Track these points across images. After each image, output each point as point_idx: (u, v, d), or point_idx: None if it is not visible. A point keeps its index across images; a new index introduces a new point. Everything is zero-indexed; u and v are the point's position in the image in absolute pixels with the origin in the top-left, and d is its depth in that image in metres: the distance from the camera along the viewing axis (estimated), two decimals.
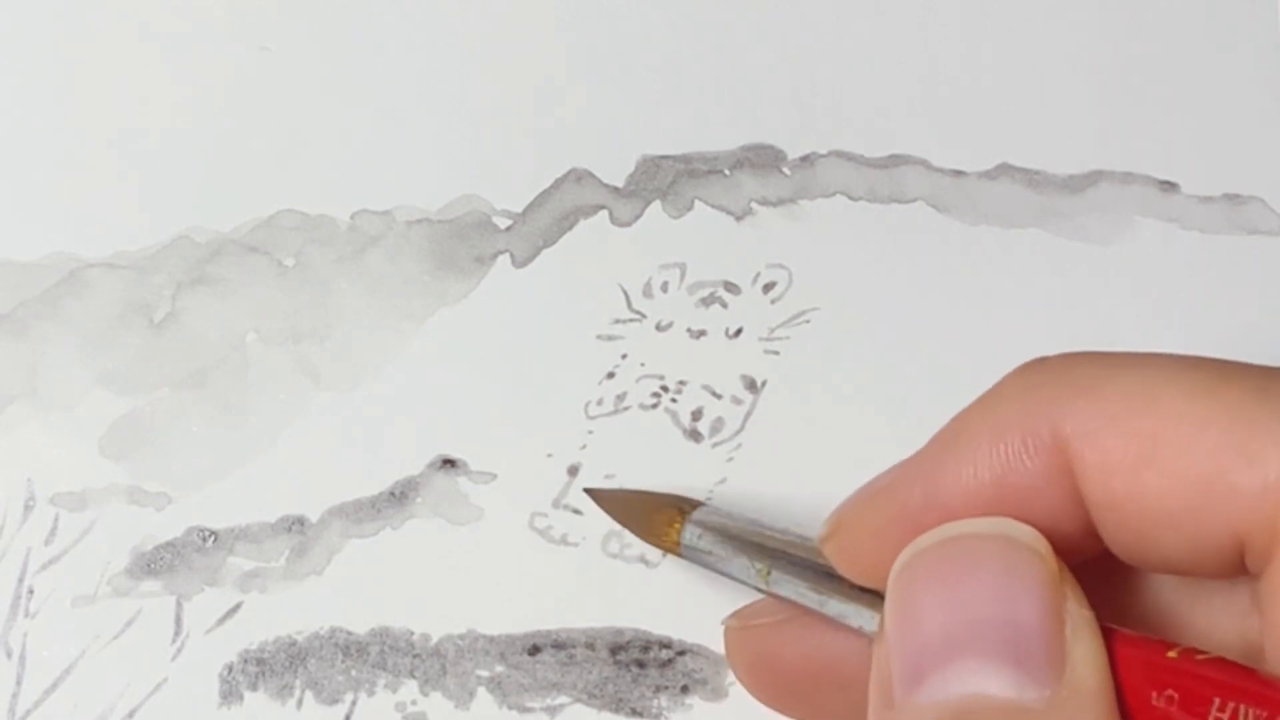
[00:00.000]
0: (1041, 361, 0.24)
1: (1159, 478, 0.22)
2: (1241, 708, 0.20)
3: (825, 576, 0.26)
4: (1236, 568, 0.22)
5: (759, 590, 0.28)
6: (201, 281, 0.33)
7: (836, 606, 0.26)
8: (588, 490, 0.32)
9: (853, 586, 0.25)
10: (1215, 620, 0.24)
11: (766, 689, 0.29)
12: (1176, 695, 0.21)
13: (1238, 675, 0.21)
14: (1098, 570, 0.23)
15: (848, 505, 0.25)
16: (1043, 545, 0.22)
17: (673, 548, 0.29)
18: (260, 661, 0.31)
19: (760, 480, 0.32)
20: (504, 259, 0.34)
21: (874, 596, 0.25)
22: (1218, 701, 0.21)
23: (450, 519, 0.32)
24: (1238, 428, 0.21)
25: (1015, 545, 0.22)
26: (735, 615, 0.29)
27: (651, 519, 0.30)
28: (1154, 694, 0.21)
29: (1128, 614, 0.24)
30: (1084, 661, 0.21)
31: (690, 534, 0.29)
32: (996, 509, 0.23)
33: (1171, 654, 0.21)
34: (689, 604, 0.32)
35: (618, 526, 0.32)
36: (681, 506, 0.30)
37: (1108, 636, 0.22)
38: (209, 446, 0.32)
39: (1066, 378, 0.23)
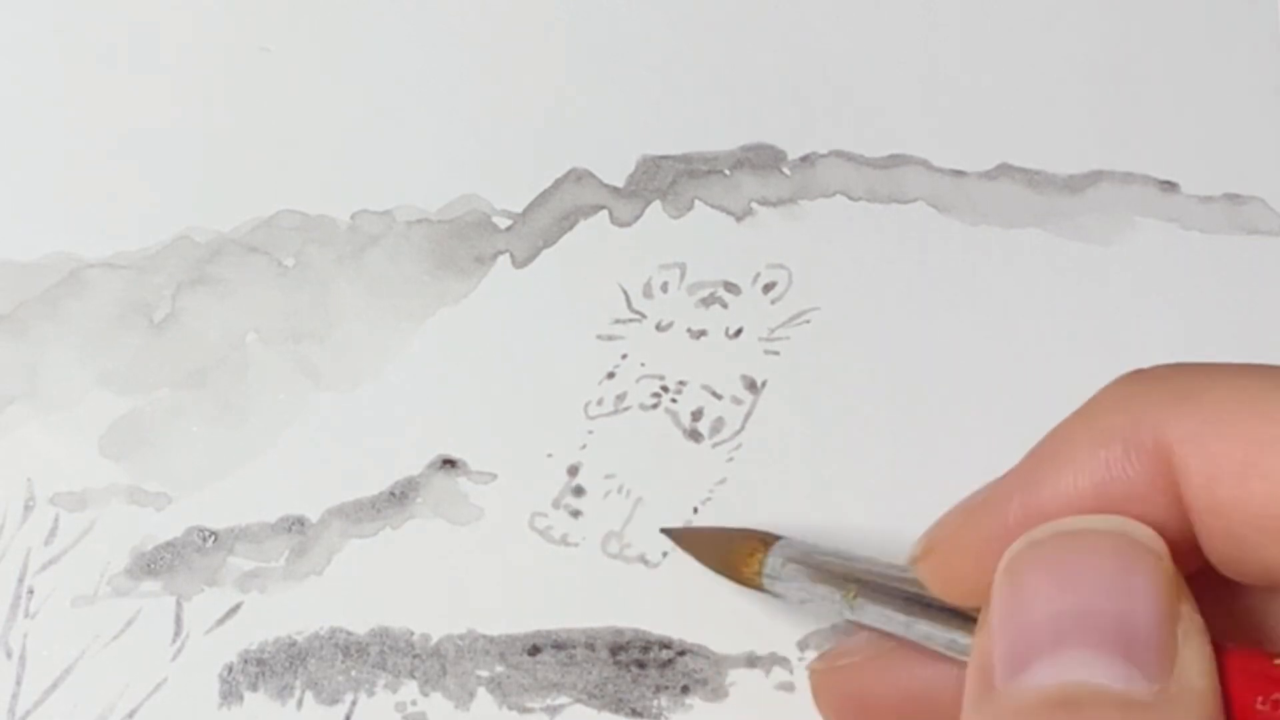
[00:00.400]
0: (1140, 372, 0.24)
1: (1265, 483, 0.21)
2: None
3: (910, 600, 0.26)
4: None
5: (844, 619, 0.27)
6: (201, 281, 0.33)
7: (924, 628, 0.26)
8: (665, 531, 0.32)
9: (940, 609, 0.25)
10: None
11: None
12: None
13: None
14: (1195, 585, 0.23)
15: (941, 524, 0.25)
16: (1160, 545, 0.22)
17: (754, 580, 0.29)
18: (260, 662, 0.31)
19: (760, 480, 0.32)
20: (504, 259, 0.34)
21: (962, 618, 0.25)
22: None
23: (450, 519, 0.32)
24: None
25: (1133, 542, 0.22)
26: (820, 657, 0.29)
27: (732, 553, 0.30)
28: (1259, 699, 0.21)
29: (1224, 629, 0.24)
30: (1194, 662, 0.21)
31: (773, 565, 0.29)
32: None
33: (1278, 661, 0.21)
34: (689, 604, 0.32)
35: (618, 526, 0.32)
36: (764, 539, 0.30)
37: (1215, 646, 0.22)
38: (209, 446, 0.32)
39: (1168, 386, 0.23)
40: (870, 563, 0.28)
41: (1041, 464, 0.24)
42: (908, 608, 0.26)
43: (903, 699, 0.27)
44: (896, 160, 0.34)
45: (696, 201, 0.34)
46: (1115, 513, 0.23)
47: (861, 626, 0.27)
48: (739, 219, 0.34)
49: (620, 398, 0.33)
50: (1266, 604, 0.24)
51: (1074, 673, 0.21)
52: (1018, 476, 0.24)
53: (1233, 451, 0.22)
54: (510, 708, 0.31)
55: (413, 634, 0.32)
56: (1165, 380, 0.23)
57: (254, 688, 0.31)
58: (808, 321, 0.33)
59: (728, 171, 0.34)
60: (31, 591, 0.32)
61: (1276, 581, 0.23)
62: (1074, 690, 0.21)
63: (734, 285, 0.33)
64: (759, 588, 0.29)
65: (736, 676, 0.31)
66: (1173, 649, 0.21)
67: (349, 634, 0.32)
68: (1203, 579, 0.23)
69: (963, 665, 0.24)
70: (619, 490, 0.32)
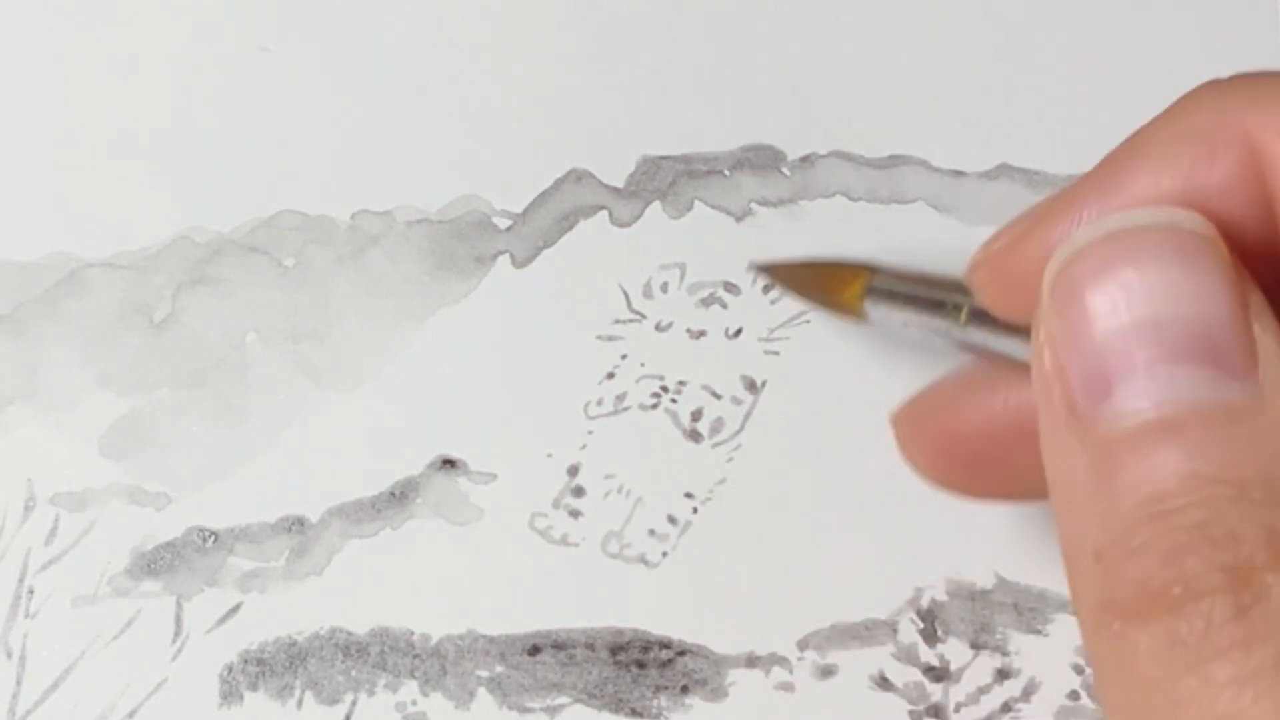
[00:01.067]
0: (1222, 80, 0.23)
1: None
2: None
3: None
4: None
5: (951, 338, 0.26)
6: (201, 282, 0.33)
7: None
8: (756, 265, 0.31)
9: None
10: None
11: (951, 467, 0.28)
12: None
13: None
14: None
15: (1006, 230, 0.24)
16: (1213, 232, 0.21)
17: (855, 306, 0.28)
18: (260, 662, 0.31)
19: (760, 480, 0.32)
20: (504, 259, 0.34)
21: None
22: None
23: (450, 519, 0.32)
24: None
25: (1188, 234, 0.21)
26: (902, 405, 0.28)
27: (831, 280, 0.29)
28: None
29: None
30: (1276, 350, 0.20)
31: (878, 283, 0.28)
32: None
33: None
34: (689, 604, 0.32)
35: (618, 526, 0.32)
36: (865, 266, 0.28)
37: None
38: (209, 446, 0.32)
39: (1254, 87, 0.22)
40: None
41: (1120, 165, 0.23)
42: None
43: (997, 425, 0.26)
44: (896, 160, 0.34)
45: (696, 202, 0.34)
46: (1200, 211, 0.22)
47: (970, 349, 0.26)
48: (739, 219, 0.34)
49: (620, 398, 0.33)
50: None
51: (1165, 391, 0.20)
52: (1093, 179, 0.23)
53: None
54: (510, 708, 0.31)
55: (413, 634, 0.32)
56: (1249, 84, 0.22)
57: (254, 688, 0.31)
58: (808, 321, 0.33)
59: (727, 172, 0.34)
60: (31, 591, 0.32)
61: None
62: (1173, 411, 0.20)
63: (734, 285, 0.33)
64: (858, 314, 0.28)
65: (736, 676, 0.31)
66: (1253, 341, 0.20)
67: (349, 634, 0.32)
68: None
69: None
70: (619, 490, 0.32)
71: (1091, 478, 0.21)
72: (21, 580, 0.32)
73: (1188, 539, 0.19)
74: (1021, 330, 0.24)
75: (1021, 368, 0.25)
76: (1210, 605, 0.19)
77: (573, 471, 0.32)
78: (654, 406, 0.33)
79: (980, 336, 0.26)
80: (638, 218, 0.34)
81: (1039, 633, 0.32)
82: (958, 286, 0.27)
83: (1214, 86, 0.23)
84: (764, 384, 0.33)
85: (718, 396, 0.33)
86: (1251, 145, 0.22)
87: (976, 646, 0.31)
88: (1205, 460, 0.20)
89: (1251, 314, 0.21)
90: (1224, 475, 0.20)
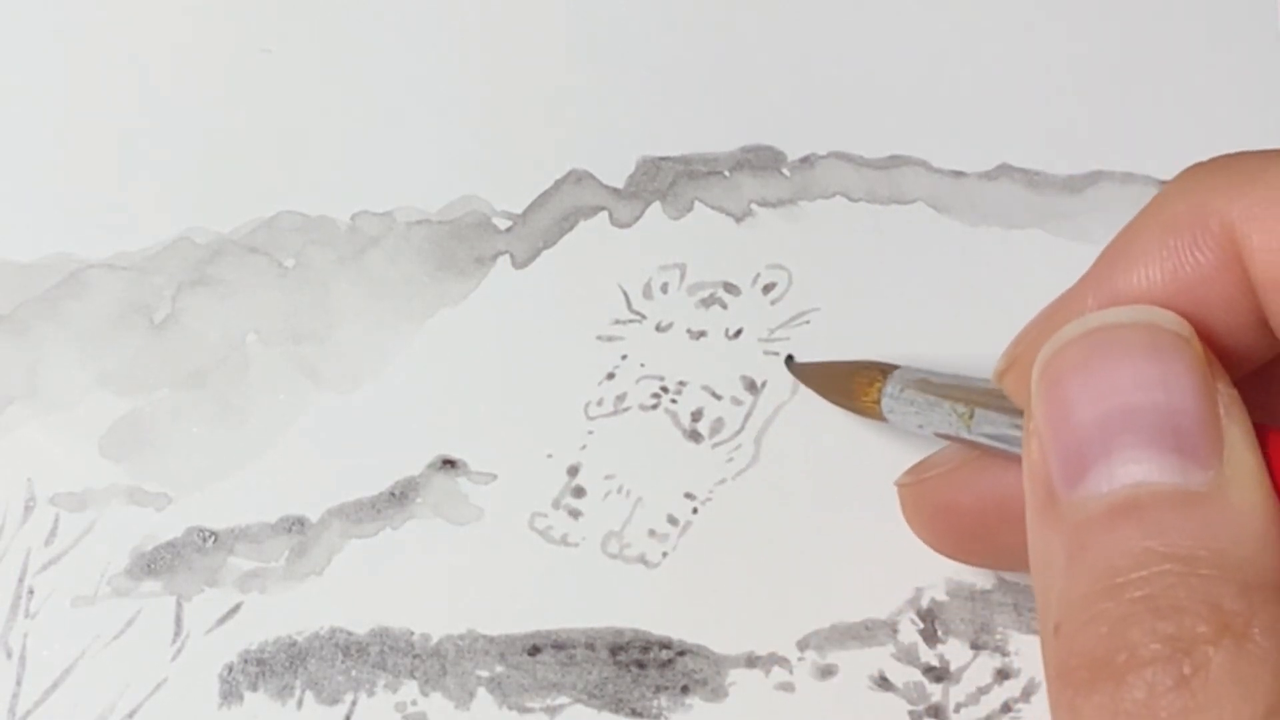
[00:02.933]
0: (1201, 164, 0.24)
1: None
2: None
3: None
4: None
5: (961, 439, 0.28)
6: (202, 282, 0.33)
7: None
8: (789, 364, 0.32)
9: None
10: None
11: (947, 537, 0.29)
12: None
13: None
14: (1265, 378, 0.24)
15: (1021, 336, 0.25)
16: (1187, 329, 0.22)
17: (873, 409, 0.30)
18: (260, 662, 0.31)
19: (760, 480, 0.32)
20: (504, 260, 0.34)
21: None
22: None
23: (450, 519, 0.32)
24: None
25: (1161, 331, 0.22)
26: (908, 473, 0.30)
27: (851, 383, 0.30)
28: None
29: None
30: (1241, 441, 0.21)
31: (890, 391, 0.29)
32: (1171, 309, 0.23)
33: None
34: (689, 604, 0.32)
35: (618, 526, 0.32)
36: (882, 368, 0.30)
37: (1257, 428, 0.22)
38: (209, 446, 0.32)
39: (1229, 172, 0.23)
40: (985, 383, 0.28)
41: (1113, 261, 0.24)
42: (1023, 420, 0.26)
43: (994, 503, 0.28)
44: (896, 160, 0.34)
45: (696, 202, 0.34)
46: (1187, 301, 0.23)
47: (977, 446, 0.27)
48: (739, 220, 0.34)
49: (620, 398, 0.33)
50: None
51: (1131, 474, 0.21)
52: (1091, 277, 0.24)
53: None
54: (510, 708, 0.31)
55: (413, 634, 0.32)
56: (1226, 167, 0.23)
57: (254, 688, 0.31)
58: (808, 322, 0.33)
59: (727, 173, 0.34)
60: (31, 591, 0.32)
61: None
62: (1133, 494, 0.21)
63: (734, 286, 0.33)
64: (877, 416, 0.30)
65: (736, 676, 0.31)
66: (1218, 431, 0.21)
67: (349, 634, 0.32)
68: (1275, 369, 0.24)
69: None
70: (619, 490, 0.32)
71: (1062, 558, 0.22)
72: (21, 580, 0.32)
73: (1133, 610, 0.20)
74: (1019, 429, 0.26)
75: (1017, 458, 0.26)
76: (1153, 674, 0.20)
77: (573, 471, 0.32)
78: (654, 407, 0.33)
79: (984, 432, 0.27)
80: (638, 218, 0.34)
81: (1039, 633, 0.32)
82: (966, 388, 0.28)
83: (1195, 172, 0.24)
84: (764, 384, 0.33)
85: (718, 397, 0.33)
86: (1230, 233, 0.23)
87: (976, 647, 0.31)
88: (1160, 539, 0.21)
89: (1221, 406, 0.22)
90: (1175, 553, 0.21)
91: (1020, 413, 0.26)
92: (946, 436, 0.28)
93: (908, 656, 0.31)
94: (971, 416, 0.27)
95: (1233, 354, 0.23)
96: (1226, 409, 0.22)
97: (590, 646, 0.31)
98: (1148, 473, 0.21)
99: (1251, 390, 0.23)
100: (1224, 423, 0.22)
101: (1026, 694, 0.31)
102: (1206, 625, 0.20)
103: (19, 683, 0.31)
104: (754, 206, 0.34)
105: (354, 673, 0.31)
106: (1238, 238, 0.23)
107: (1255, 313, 0.23)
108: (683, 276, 0.34)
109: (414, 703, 0.31)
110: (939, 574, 0.32)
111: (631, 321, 0.33)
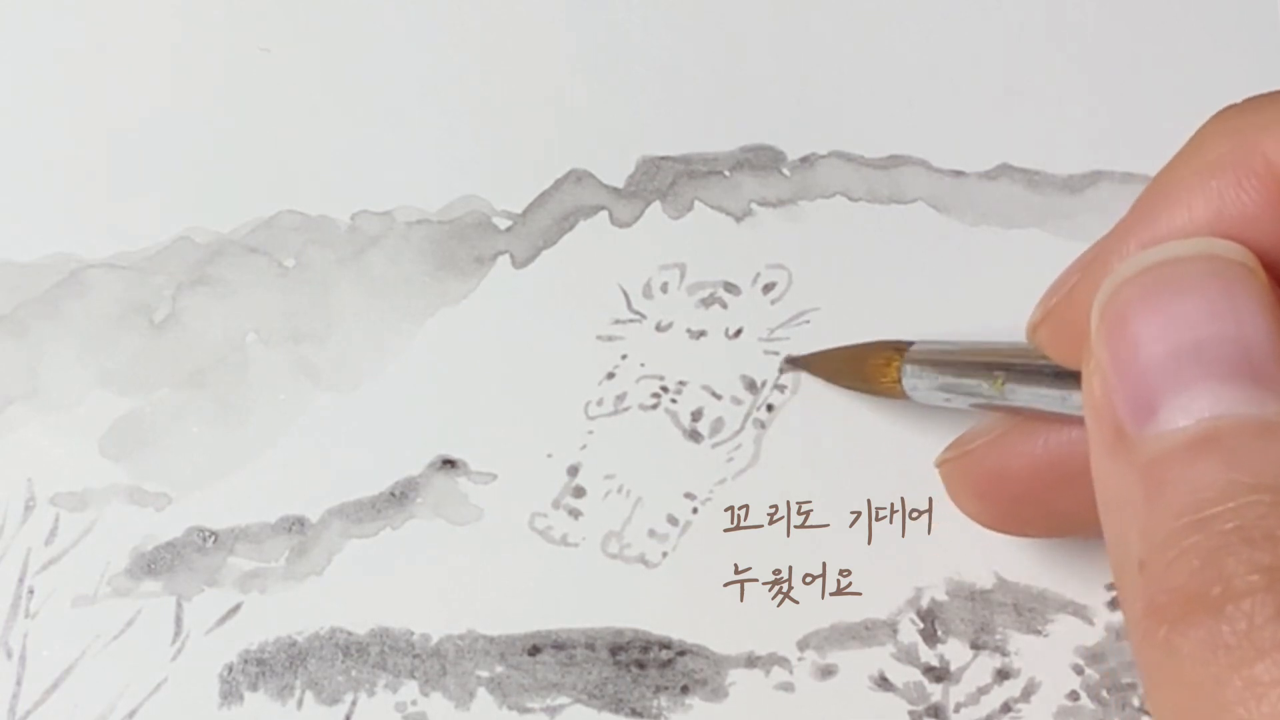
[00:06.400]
0: (1237, 105, 0.24)
1: None
2: None
3: (1061, 373, 0.25)
4: None
5: (994, 405, 0.27)
6: (202, 282, 0.33)
7: (1080, 398, 0.25)
8: (791, 360, 0.32)
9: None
10: None
11: (999, 508, 0.29)
12: None
13: None
14: None
15: (1056, 285, 0.25)
16: (1251, 259, 0.22)
17: (893, 389, 0.29)
18: (260, 662, 0.31)
19: (760, 480, 0.32)
20: (504, 259, 0.34)
21: None
22: None
23: (450, 519, 0.32)
24: None
25: (1226, 262, 0.22)
26: (948, 450, 0.29)
27: (866, 366, 0.30)
28: None
29: None
30: None
31: (910, 369, 0.29)
32: None
33: None
34: (689, 604, 0.32)
35: (618, 526, 0.32)
36: (896, 346, 0.29)
37: None
38: (209, 446, 0.33)
39: (1269, 111, 0.23)
40: (1007, 347, 0.27)
41: (1153, 206, 0.23)
42: (1059, 381, 0.26)
43: (1043, 465, 0.27)
44: (896, 160, 0.34)
45: (696, 202, 0.34)
46: (1232, 239, 0.23)
47: (1013, 411, 0.27)
48: (739, 220, 0.34)
49: (620, 398, 0.33)
50: None
51: (1206, 408, 0.21)
52: (1130, 222, 0.24)
53: None
54: (510, 708, 0.31)
55: (413, 634, 0.32)
56: (1265, 106, 0.23)
57: (254, 688, 0.31)
58: (807, 322, 0.33)
59: (727, 172, 0.34)
60: (31, 591, 0.32)
61: None
62: (1212, 426, 0.21)
63: (734, 285, 0.33)
64: (898, 396, 0.29)
65: (736, 676, 0.31)
66: None
67: (349, 634, 0.32)
68: None
69: None
70: (619, 490, 0.32)
71: (1139, 495, 0.21)
72: (21, 580, 0.32)
73: (1226, 542, 0.20)
74: (1056, 383, 0.25)
75: (1056, 417, 0.26)
76: (1251, 605, 0.19)
77: (573, 471, 0.32)
78: (654, 406, 0.33)
79: (1019, 397, 0.27)
80: (638, 218, 0.34)
81: (1039, 633, 0.32)
82: (990, 353, 0.27)
83: (1230, 114, 0.24)
84: (764, 384, 0.33)
85: (718, 396, 0.33)
86: (1274, 170, 0.23)
87: (976, 647, 0.31)
88: (1244, 469, 0.20)
89: None
90: (1261, 482, 0.20)
91: (1054, 368, 0.26)
92: (977, 405, 0.28)
93: (908, 656, 0.31)
94: (1002, 381, 0.27)
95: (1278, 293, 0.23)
96: None
97: (590, 647, 0.32)
98: (1225, 405, 0.21)
99: None
100: None
101: (1026, 694, 0.31)
102: None
103: (19, 683, 0.31)
104: (754, 206, 0.34)
105: (354, 673, 0.31)
106: None
107: None
108: (683, 276, 0.34)
109: (414, 703, 0.31)
110: (939, 574, 0.32)
111: (631, 321, 0.33)
